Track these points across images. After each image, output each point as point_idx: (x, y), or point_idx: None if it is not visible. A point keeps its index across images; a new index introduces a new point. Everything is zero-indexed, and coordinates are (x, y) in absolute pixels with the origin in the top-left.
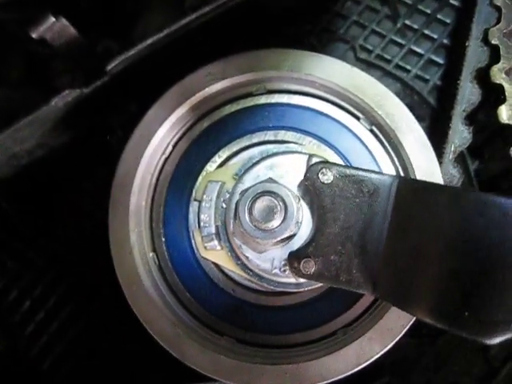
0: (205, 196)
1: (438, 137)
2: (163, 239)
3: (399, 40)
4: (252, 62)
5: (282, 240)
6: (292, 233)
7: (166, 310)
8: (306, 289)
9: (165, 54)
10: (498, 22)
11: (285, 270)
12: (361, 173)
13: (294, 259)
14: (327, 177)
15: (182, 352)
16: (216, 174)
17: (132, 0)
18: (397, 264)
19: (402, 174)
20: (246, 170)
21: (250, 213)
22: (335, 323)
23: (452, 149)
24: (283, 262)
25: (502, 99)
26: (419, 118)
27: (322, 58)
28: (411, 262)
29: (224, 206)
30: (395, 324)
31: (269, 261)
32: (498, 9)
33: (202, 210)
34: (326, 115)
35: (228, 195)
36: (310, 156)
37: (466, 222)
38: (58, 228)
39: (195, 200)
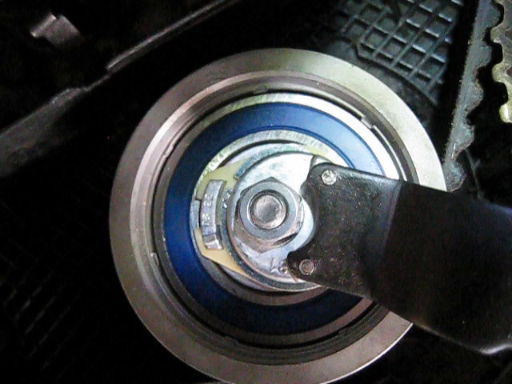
0: (206, 195)
1: (439, 136)
2: (164, 239)
3: (400, 39)
4: (253, 62)
5: (283, 239)
6: (293, 232)
7: (166, 310)
8: (307, 289)
9: (165, 53)
10: (500, 20)
11: (284, 270)
12: (364, 176)
13: (294, 260)
14: (330, 178)
15: (183, 352)
16: (217, 173)
17: None
18: (396, 269)
19: (403, 172)
20: (247, 170)
21: (252, 212)
22: (336, 323)
23: (454, 148)
24: (282, 262)
25: (504, 98)
26: (421, 117)
27: (322, 57)
28: (410, 268)
29: (225, 206)
30: (397, 324)
31: (268, 260)
32: (500, 8)
33: (203, 210)
34: (327, 114)
35: (229, 195)
36: (314, 157)
37: (467, 230)
38: (59, 227)
39: (196, 199)
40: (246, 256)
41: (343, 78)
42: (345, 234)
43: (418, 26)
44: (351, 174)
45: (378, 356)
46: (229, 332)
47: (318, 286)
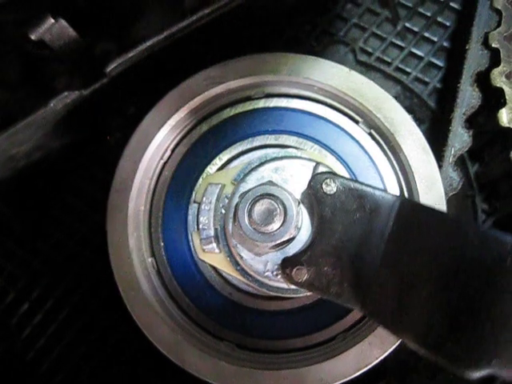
0: (204, 198)
1: (438, 140)
2: (162, 244)
3: (399, 43)
4: (251, 66)
5: (281, 243)
6: (291, 236)
7: (165, 315)
8: (304, 294)
9: (164, 56)
10: (499, 25)
11: (277, 274)
12: (365, 188)
13: (287, 265)
14: (330, 188)
15: (181, 358)
16: (216, 176)
17: (131, 2)
18: (388, 284)
19: (401, 176)
20: (245, 175)
21: (250, 215)
22: (335, 328)
23: (452, 152)
24: (276, 266)
25: (502, 102)
26: (419, 121)
27: (320, 61)
28: (403, 285)
29: (223, 211)
30: None
31: (262, 263)
32: (499, 12)
33: (202, 213)
34: (325, 119)
35: (227, 200)
36: (317, 164)
37: (463, 253)
38: (56, 231)
39: (195, 202)
40: (241, 257)
41: (341, 83)
42: (340, 245)
43: (416, 29)
44: (352, 184)
45: (377, 360)
46: (227, 337)
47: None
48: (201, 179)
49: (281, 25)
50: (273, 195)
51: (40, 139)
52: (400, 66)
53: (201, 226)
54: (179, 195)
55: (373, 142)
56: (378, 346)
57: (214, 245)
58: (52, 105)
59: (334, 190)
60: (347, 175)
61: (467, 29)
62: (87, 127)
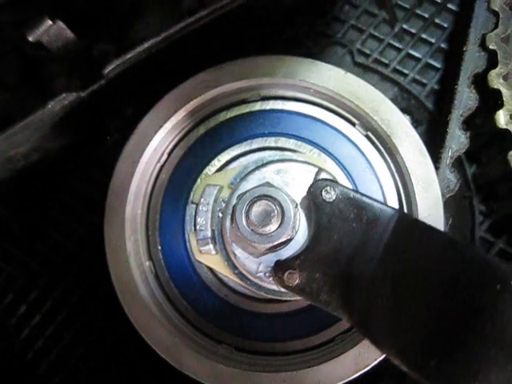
0: (202, 199)
1: (435, 141)
2: (159, 247)
3: (397, 44)
4: (246, 69)
5: (279, 245)
6: (289, 237)
7: (162, 318)
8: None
9: (162, 57)
10: (496, 27)
11: (269, 276)
12: (364, 199)
13: (280, 268)
14: (330, 195)
15: (179, 361)
16: (214, 177)
17: (129, 3)
18: (377, 299)
19: (397, 178)
20: (245, 176)
21: (247, 216)
22: (333, 330)
23: (449, 154)
24: (269, 268)
25: (499, 104)
26: (416, 123)
27: (316, 63)
28: (392, 301)
29: (220, 215)
30: None
31: (256, 263)
32: (496, 14)
33: (199, 214)
34: (321, 121)
35: (224, 204)
36: (320, 170)
37: (456, 273)
38: (54, 231)
39: (192, 203)
40: (235, 255)
41: (337, 85)
42: (334, 253)
43: (414, 31)
44: (351, 194)
45: (375, 362)
46: (225, 340)
47: None
48: (199, 180)
49: (280, 25)
50: (270, 196)
51: (38, 140)
52: (397, 67)
53: (198, 227)
54: (177, 197)
55: (369, 144)
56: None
57: (211, 246)
58: (50, 106)
59: (334, 197)
60: (347, 182)
61: (464, 30)
62: (85, 128)
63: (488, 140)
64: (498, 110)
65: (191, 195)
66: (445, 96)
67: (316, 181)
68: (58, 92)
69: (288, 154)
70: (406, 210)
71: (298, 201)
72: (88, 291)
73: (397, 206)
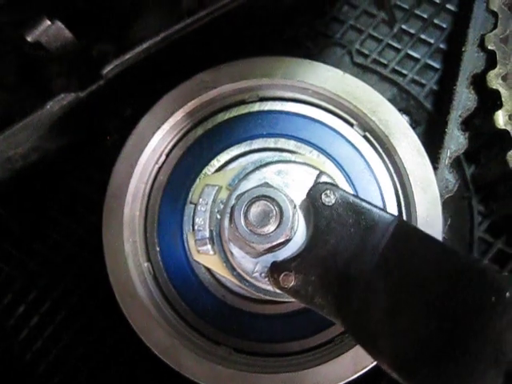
0: (201, 199)
1: (434, 141)
2: (158, 249)
3: (396, 44)
4: (245, 70)
5: (277, 245)
6: (287, 238)
7: (161, 320)
8: None
9: (161, 58)
10: (495, 27)
11: (266, 276)
12: (363, 204)
13: (276, 270)
14: (329, 199)
15: (178, 362)
16: (213, 178)
17: (128, 4)
18: (371, 304)
19: (396, 179)
20: (242, 179)
21: (246, 217)
22: (331, 331)
23: (448, 154)
24: (266, 268)
25: (498, 104)
26: (415, 123)
27: (314, 64)
28: (386, 307)
29: (219, 217)
30: None
31: (252, 263)
32: (495, 14)
33: (197, 214)
34: (320, 122)
35: (222, 206)
36: (320, 173)
37: (452, 284)
38: (53, 232)
39: (191, 203)
40: (232, 254)
41: (335, 86)
42: (331, 257)
43: (412, 31)
44: (351, 199)
45: (374, 363)
46: (224, 341)
47: None
48: (198, 180)
49: (280, 25)
50: (269, 197)
51: (37, 141)
52: (396, 67)
53: (196, 227)
54: (175, 198)
55: (368, 145)
56: None
57: (209, 246)
58: (48, 106)
59: (333, 201)
60: (346, 183)
61: (463, 31)
62: (84, 129)
63: (487, 140)
64: (497, 110)
65: (190, 195)
66: (444, 96)
67: (316, 184)
68: (57, 92)
69: (287, 155)
70: (404, 211)
71: (298, 202)
72: (88, 291)
73: (395, 207)
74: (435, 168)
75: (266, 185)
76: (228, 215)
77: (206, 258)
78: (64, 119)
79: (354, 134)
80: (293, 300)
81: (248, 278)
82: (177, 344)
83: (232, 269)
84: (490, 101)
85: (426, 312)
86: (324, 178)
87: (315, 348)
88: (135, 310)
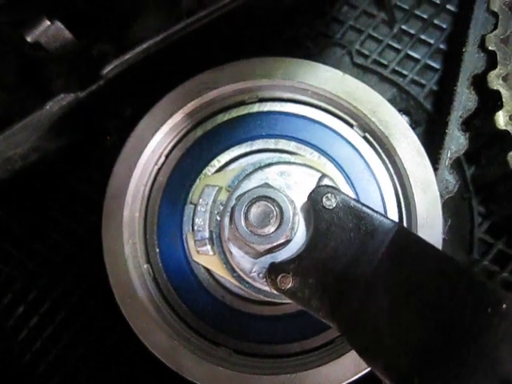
0: (201, 200)
1: (434, 142)
2: (157, 250)
3: (396, 45)
4: (244, 71)
5: (278, 246)
6: (288, 238)
7: (161, 321)
8: None
9: (161, 58)
10: (495, 28)
11: (263, 277)
12: (364, 209)
13: (274, 271)
14: (330, 202)
15: (178, 364)
16: (213, 178)
17: (128, 4)
18: (369, 309)
19: (396, 180)
20: (243, 179)
21: (246, 217)
22: (332, 332)
23: (448, 155)
24: (264, 269)
25: (499, 105)
26: (415, 123)
27: (313, 65)
28: (382, 312)
29: (218, 218)
30: None
31: (251, 263)
32: (495, 15)
33: (197, 214)
34: (319, 123)
35: (222, 207)
36: (323, 176)
37: (450, 295)
38: (53, 232)
39: (191, 203)
40: (231, 253)
41: (335, 87)
42: (329, 260)
43: (413, 32)
44: (352, 203)
45: None
46: (224, 342)
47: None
48: (198, 180)
49: (280, 25)
50: (269, 197)
51: (36, 141)
52: (396, 68)
53: (196, 228)
54: (175, 199)
55: (368, 146)
56: None
57: (209, 247)
58: (48, 107)
59: (334, 205)
60: (346, 185)
61: (464, 31)
62: (83, 129)
63: (487, 141)
64: (498, 111)
65: (190, 196)
66: (444, 97)
67: (318, 186)
68: (57, 92)
69: (288, 157)
70: (404, 212)
71: (299, 204)
72: (87, 291)
73: (395, 208)
74: (435, 169)
75: (267, 185)
76: (228, 215)
77: (205, 258)
78: (64, 119)
79: (353, 135)
80: (291, 302)
81: (246, 277)
82: (177, 345)
83: (232, 270)
84: (490, 101)
85: (422, 320)
86: (326, 181)
87: (316, 349)
88: (135, 311)
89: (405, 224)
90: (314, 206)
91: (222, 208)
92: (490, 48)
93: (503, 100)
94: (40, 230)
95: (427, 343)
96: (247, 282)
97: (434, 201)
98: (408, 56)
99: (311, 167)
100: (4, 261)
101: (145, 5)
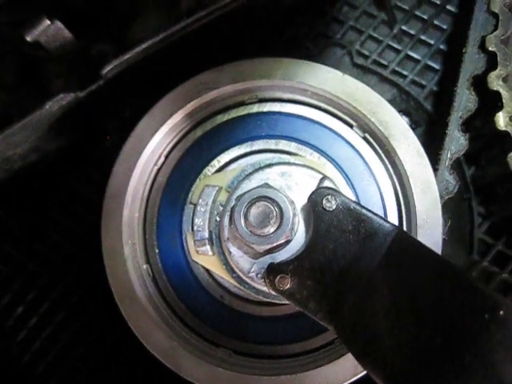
0: (200, 200)
1: (434, 143)
2: (157, 251)
3: (396, 45)
4: (244, 71)
5: (277, 246)
6: (288, 239)
7: (160, 322)
8: None
9: (160, 58)
10: (496, 28)
11: (262, 277)
12: (364, 212)
13: (272, 271)
14: (330, 204)
15: (178, 364)
16: (213, 178)
17: (127, 4)
18: (366, 313)
19: (395, 180)
20: (244, 179)
21: (246, 218)
22: (332, 333)
23: (448, 155)
24: (262, 269)
25: (499, 106)
26: (415, 124)
27: (313, 65)
28: (380, 316)
29: (218, 219)
30: None
31: (249, 263)
32: (496, 15)
33: (197, 214)
34: (319, 123)
35: (221, 208)
36: (324, 178)
37: (447, 300)
38: (53, 232)
39: (191, 203)
40: (230, 253)
41: (335, 87)
42: (328, 262)
43: (413, 32)
44: (352, 206)
45: None
46: (224, 343)
47: None
48: (198, 180)
49: (280, 25)
50: (269, 198)
51: (36, 141)
52: (396, 68)
53: (195, 228)
54: (174, 199)
55: (367, 146)
56: None
57: (208, 247)
58: (48, 107)
59: (334, 207)
60: (346, 185)
61: (464, 32)
62: (83, 129)
63: (487, 142)
64: (498, 111)
65: (189, 196)
66: (444, 98)
67: (318, 188)
68: (56, 92)
69: (288, 157)
70: (404, 212)
71: (299, 205)
72: (87, 291)
73: (395, 208)
74: (435, 169)
75: (267, 186)
76: (228, 215)
77: (204, 258)
78: (63, 119)
79: (353, 136)
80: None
81: (245, 278)
82: (176, 346)
83: (231, 270)
84: (490, 102)
85: (421, 323)
86: (327, 183)
87: (315, 350)
88: (134, 312)
89: (405, 224)
90: (313, 207)
91: (221, 208)
92: (490, 49)
93: (503, 101)
94: (40, 230)
95: (424, 348)
96: (246, 283)
97: (434, 201)
98: (408, 56)
99: (312, 168)
100: (4, 261)
101: (144, 5)
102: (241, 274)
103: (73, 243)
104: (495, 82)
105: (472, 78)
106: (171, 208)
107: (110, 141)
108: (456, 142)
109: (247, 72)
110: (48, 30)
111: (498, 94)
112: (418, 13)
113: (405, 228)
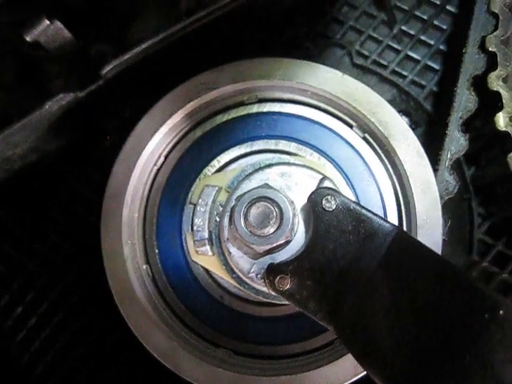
0: (200, 200)
1: (434, 143)
2: (157, 251)
3: (396, 46)
4: (244, 71)
5: (277, 246)
6: (287, 239)
7: (160, 322)
8: None
9: (160, 58)
10: (496, 29)
11: (261, 278)
12: (364, 212)
13: (272, 272)
14: (330, 204)
15: (177, 365)
16: (213, 178)
17: (127, 4)
18: (366, 313)
19: (395, 180)
20: (244, 179)
21: (246, 218)
22: (332, 333)
23: (448, 156)
24: (262, 270)
25: (499, 106)
26: (415, 124)
27: (313, 66)
28: (380, 316)
29: (218, 219)
30: None
31: (249, 263)
32: (496, 16)
33: (197, 214)
34: (319, 123)
35: (221, 208)
36: (324, 178)
37: (447, 300)
38: (52, 233)
39: (190, 203)
40: (230, 253)
41: (334, 87)
42: (328, 263)
43: (413, 32)
44: (352, 206)
45: None
46: (224, 343)
47: None
48: (197, 181)
49: (280, 26)
50: (269, 198)
51: (35, 141)
52: (396, 69)
53: (195, 228)
54: (174, 199)
55: (367, 147)
56: None
57: (208, 247)
58: (47, 107)
59: (333, 207)
60: (346, 186)
61: (464, 32)
62: (83, 129)
63: (487, 142)
64: (498, 112)
65: (189, 196)
66: (444, 98)
67: (318, 188)
68: (56, 92)
69: (288, 158)
70: (404, 212)
71: (299, 206)
72: (87, 291)
73: (395, 209)
74: (435, 170)
75: (267, 186)
76: (228, 215)
77: (204, 258)
78: (63, 119)
79: (353, 136)
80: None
81: (244, 278)
82: (176, 346)
83: (231, 271)
84: (490, 102)
85: (421, 323)
86: (327, 183)
87: (315, 350)
88: (134, 312)
89: (404, 225)
90: (313, 207)
91: (221, 208)
92: (490, 49)
93: (503, 101)
94: (39, 230)
95: (425, 347)
96: (246, 283)
97: (434, 202)
98: (408, 57)
99: (311, 168)
100: (3, 261)
101: (144, 5)
102: (240, 275)
103: (72, 243)
104: (495, 82)
105: (472, 78)
106: (171, 208)
107: (110, 141)
108: (456, 142)
109: (247, 72)
110: (48, 30)
111: (497, 95)
112: (417, 13)
113: (405, 228)
